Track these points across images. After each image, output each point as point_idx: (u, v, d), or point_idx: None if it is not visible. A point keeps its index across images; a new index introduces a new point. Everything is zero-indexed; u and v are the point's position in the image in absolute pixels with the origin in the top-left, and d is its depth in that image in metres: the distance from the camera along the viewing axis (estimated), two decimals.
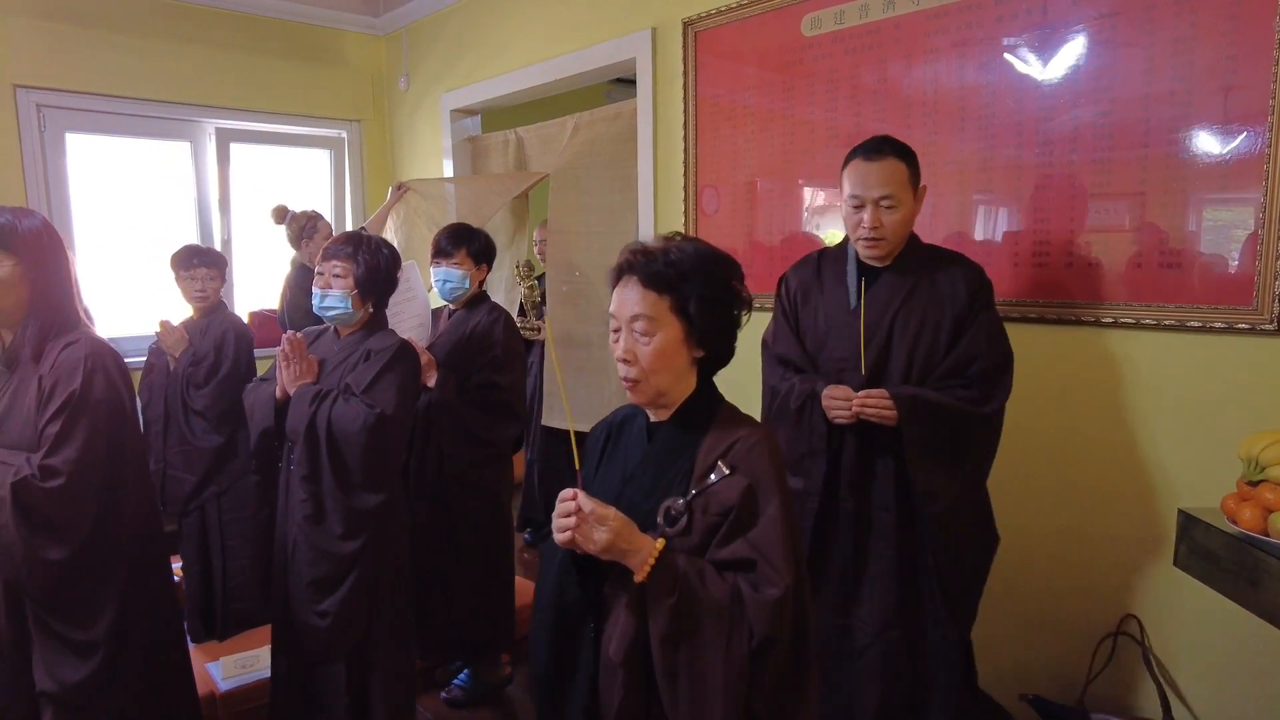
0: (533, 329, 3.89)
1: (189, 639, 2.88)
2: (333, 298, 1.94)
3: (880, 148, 1.88)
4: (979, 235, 2.36)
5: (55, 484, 1.53)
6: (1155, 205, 2.02)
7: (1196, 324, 1.96)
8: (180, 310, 2.96)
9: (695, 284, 1.22)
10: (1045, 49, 2.17)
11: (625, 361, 1.24)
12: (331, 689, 1.88)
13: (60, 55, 3.77)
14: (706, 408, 1.29)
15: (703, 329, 1.24)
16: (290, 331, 1.95)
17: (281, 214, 3.49)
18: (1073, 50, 2.12)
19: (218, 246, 4.34)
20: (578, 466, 1.27)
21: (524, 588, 3.14)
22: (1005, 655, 2.38)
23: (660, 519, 1.21)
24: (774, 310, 2.12)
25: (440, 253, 2.52)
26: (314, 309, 2.00)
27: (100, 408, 1.61)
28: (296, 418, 1.85)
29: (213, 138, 4.30)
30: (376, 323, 2.03)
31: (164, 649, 1.79)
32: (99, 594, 1.61)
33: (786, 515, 1.20)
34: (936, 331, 1.86)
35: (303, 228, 3.48)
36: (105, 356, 1.64)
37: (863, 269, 1.95)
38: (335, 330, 2.05)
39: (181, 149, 4.25)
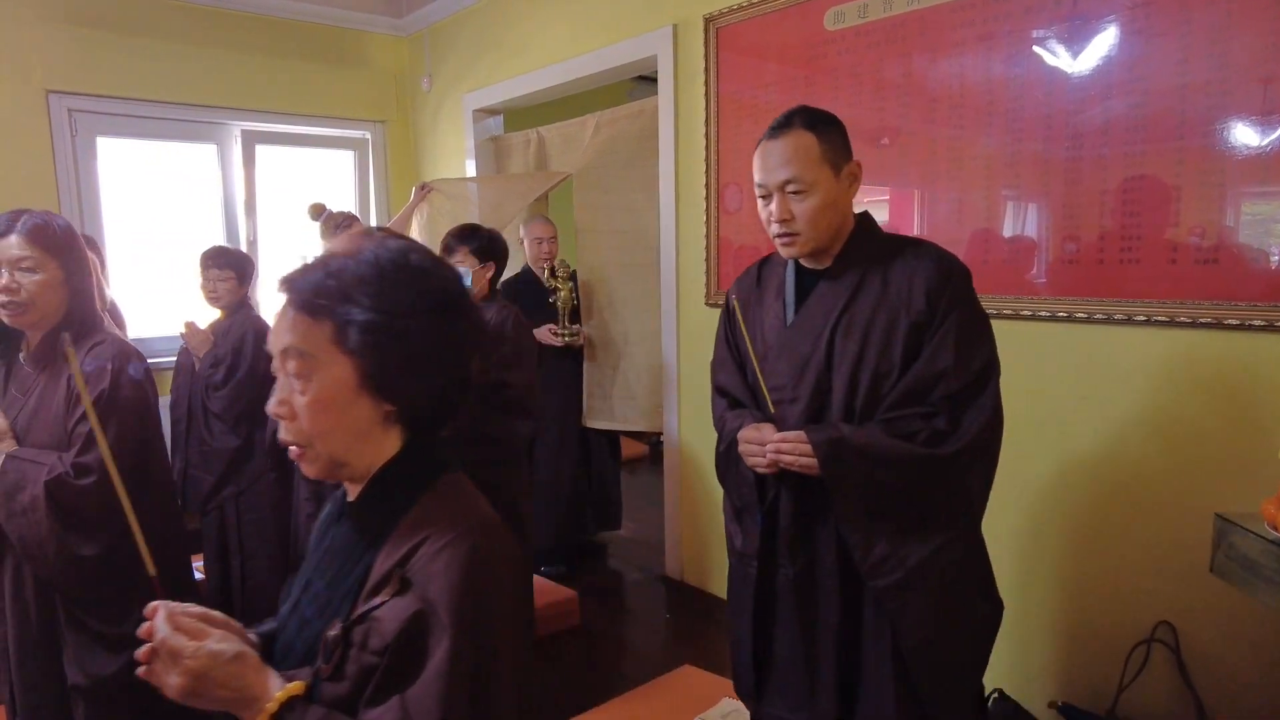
0: (572, 334, 3.60)
1: None
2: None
3: (787, 121, 1.50)
4: (1007, 232, 2.30)
5: (89, 481, 1.56)
6: (1191, 199, 1.95)
7: (1234, 321, 1.89)
8: (210, 311, 2.99)
9: (359, 304, 0.84)
10: (1075, 40, 2.11)
11: (279, 416, 0.88)
12: None
13: (91, 61, 3.84)
14: (408, 485, 0.90)
15: (378, 371, 0.85)
16: None
17: (319, 211, 3.52)
18: (1104, 41, 2.06)
19: (244, 247, 4.39)
20: (152, 571, 0.93)
21: (542, 588, 3.15)
22: (1033, 660, 2.33)
23: (321, 650, 0.86)
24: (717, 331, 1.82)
25: (446, 250, 2.53)
26: None
27: (128, 407, 1.64)
28: None
29: (239, 140, 4.35)
30: None
31: None
32: (130, 589, 1.63)
33: (457, 669, 0.79)
34: (886, 346, 1.47)
35: (337, 226, 3.51)
36: (130, 358, 1.67)
37: (805, 275, 1.59)
38: None
39: (208, 151, 4.31)
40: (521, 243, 3.72)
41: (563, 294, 3.59)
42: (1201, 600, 1.98)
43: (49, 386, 1.64)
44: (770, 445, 1.48)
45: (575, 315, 3.65)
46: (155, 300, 4.06)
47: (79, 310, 1.67)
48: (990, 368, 1.49)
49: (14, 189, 3.64)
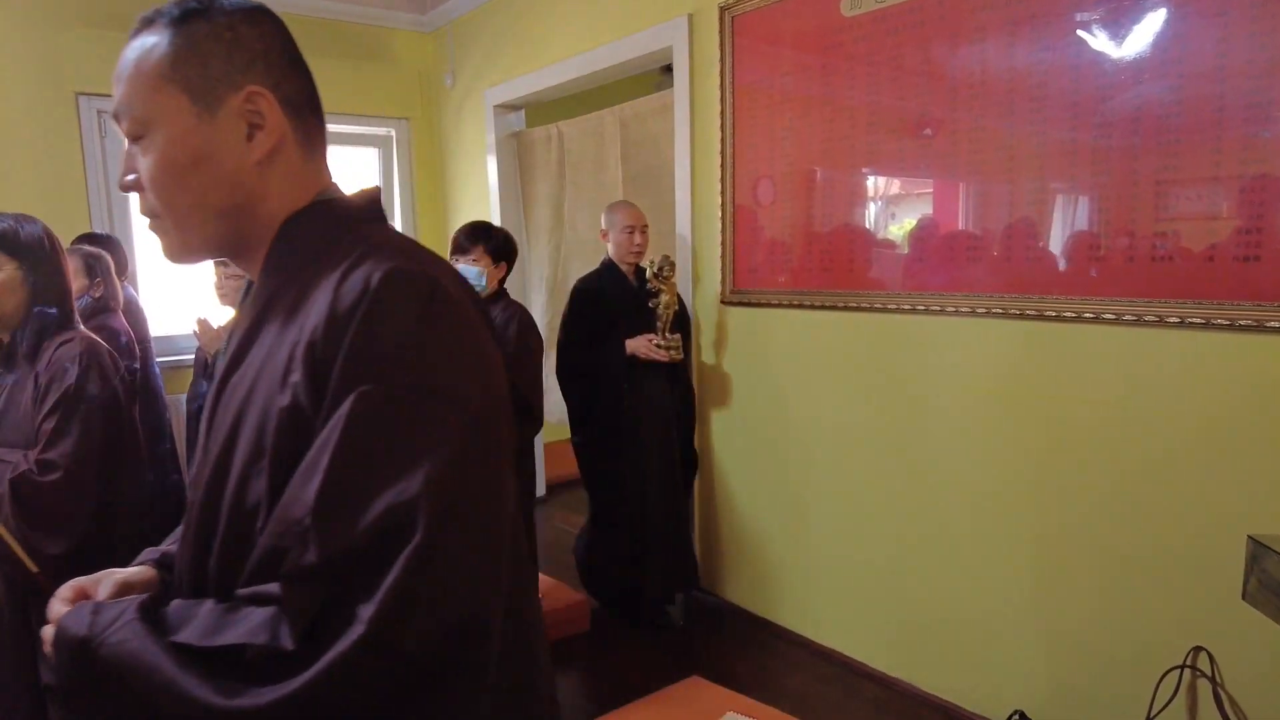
0: (673, 347, 2.94)
1: None
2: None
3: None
4: (1030, 226, 2.17)
5: (53, 478, 1.56)
6: (1230, 191, 1.80)
7: (1277, 325, 1.74)
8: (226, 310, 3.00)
9: None
10: (1104, 22, 1.96)
11: None
12: None
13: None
14: None
15: None
16: None
17: None
18: (1135, 21, 1.91)
19: None
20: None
21: (551, 592, 3.10)
22: (1056, 681, 2.20)
23: None
24: None
25: (458, 249, 2.48)
26: None
27: (95, 403, 1.64)
28: None
29: None
30: None
31: None
32: None
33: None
34: (258, 444, 0.76)
35: None
36: (99, 355, 1.66)
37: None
38: None
39: None
40: (603, 234, 3.11)
41: (665, 297, 2.92)
42: (1242, 625, 1.83)
43: (18, 385, 1.65)
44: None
45: (677, 322, 3.01)
46: (183, 299, 4.11)
47: (44, 310, 1.67)
48: (408, 523, 0.67)
49: (44, 189, 3.72)
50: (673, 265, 2.94)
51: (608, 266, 3.11)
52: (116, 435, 1.69)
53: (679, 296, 3.02)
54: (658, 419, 2.99)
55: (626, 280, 3.08)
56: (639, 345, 2.92)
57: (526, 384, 2.44)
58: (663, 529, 3.00)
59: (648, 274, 2.93)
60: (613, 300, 3.02)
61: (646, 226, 3.09)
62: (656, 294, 2.92)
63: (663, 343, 2.92)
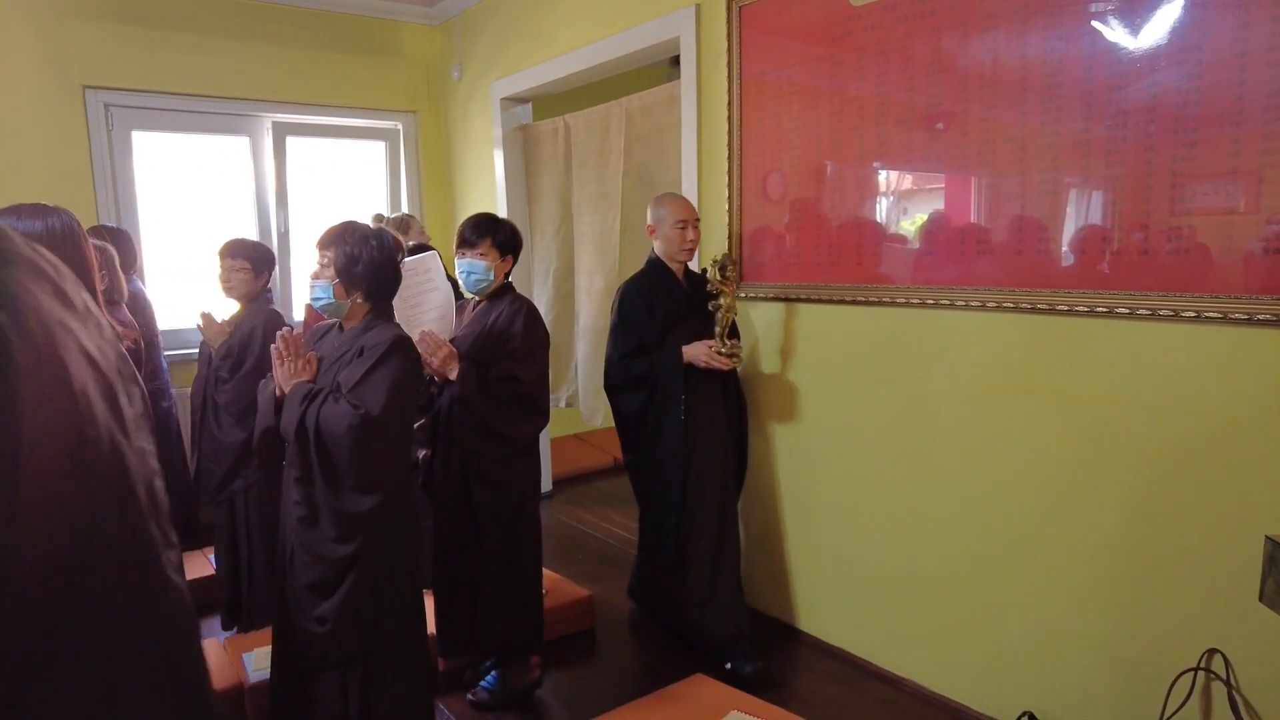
0: (734, 353, 2.68)
1: (221, 627, 2.93)
2: (319, 288, 1.91)
3: None
4: (1041, 219, 2.12)
5: None
6: (1250, 182, 1.75)
7: None
8: (230, 303, 2.98)
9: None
10: (1118, 9, 1.91)
11: None
12: (332, 696, 1.83)
13: (126, 56, 3.89)
14: None
15: None
16: (286, 328, 1.91)
17: (379, 220, 3.68)
18: (1151, 7, 1.86)
19: (274, 239, 4.42)
20: None
21: (556, 588, 3.07)
22: (1066, 682, 2.16)
23: None
24: None
25: (464, 243, 2.44)
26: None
27: None
28: (288, 418, 1.81)
29: (269, 132, 4.37)
30: (378, 316, 1.97)
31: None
32: None
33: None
34: None
35: (398, 226, 3.66)
36: None
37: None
38: (340, 325, 2.00)
39: (240, 144, 4.34)
40: (650, 230, 2.80)
41: (725, 300, 2.63)
42: (1259, 627, 1.79)
43: None
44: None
45: (735, 327, 2.78)
46: (190, 292, 4.11)
47: None
48: None
49: (50, 182, 3.72)
50: (735, 264, 2.66)
51: (655, 265, 2.78)
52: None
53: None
54: (715, 432, 2.75)
55: (676, 280, 2.78)
56: (698, 352, 2.64)
57: (532, 379, 2.42)
58: (720, 559, 2.74)
59: (709, 274, 2.64)
60: (663, 303, 2.73)
61: (699, 220, 2.79)
62: (716, 295, 2.63)
63: (723, 349, 2.64)
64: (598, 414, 4.02)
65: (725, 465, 2.80)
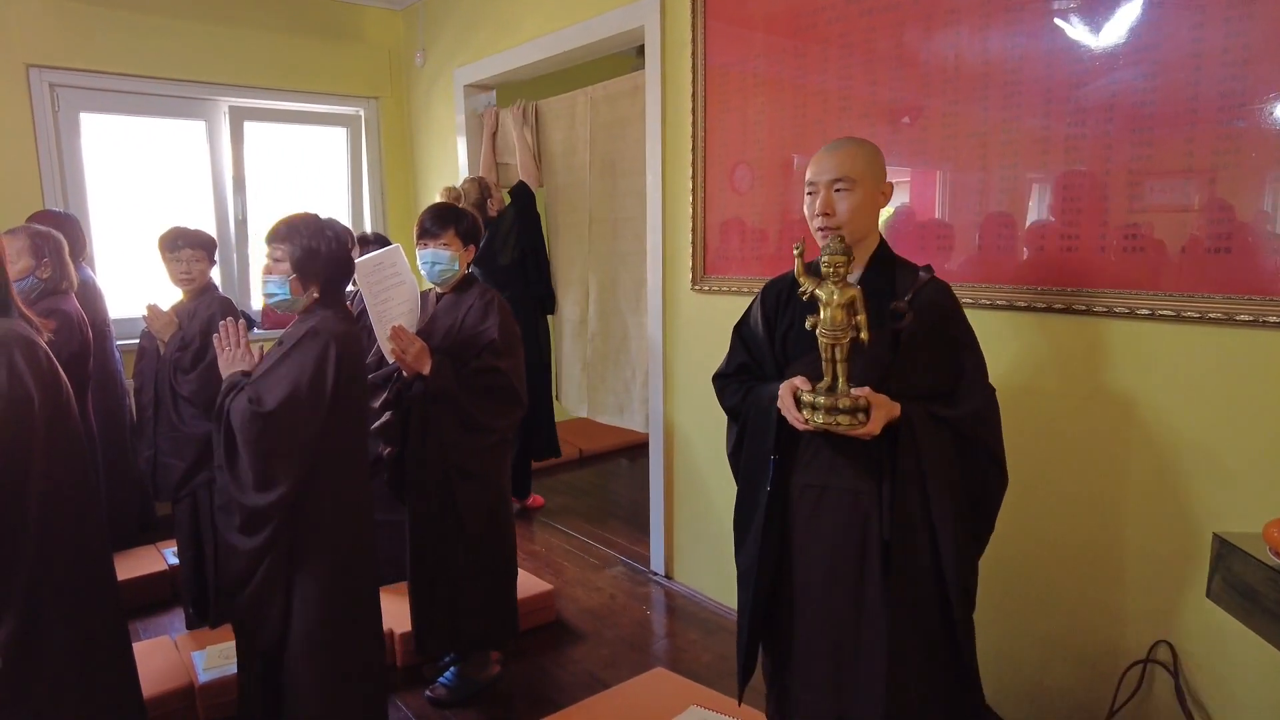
0: (851, 410, 1.53)
1: (185, 624, 2.87)
2: (272, 284, 1.86)
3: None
4: (1002, 214, 2.13)
5: None
6: (1204, 182, 1.77)
7: (1247, 318, 1.71)
8: (173, 293, 2.90)
9: None
10: (1078, 7, 1.92)
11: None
12: (267, 688, 1.83)
13: (73, 34, 3.75)
14: None
15: None
16: (230, 318, 1.87)
17: (451, 194, 3.71)
18: (1110, 6, 1.86)
19: (231, 226, 4.31)
20: None
21: (521, 582, 3.04)
22: (1022, 676, 2.18)
23: None
24: None
25: (426, 234, 2.39)
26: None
27: (4, 399, 1.54)
28: (218, 407, 1.80)
29: (226, 116, 4.26)
30: (324, 306, 1.91)
31: (94, 646, 1.73)
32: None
33: None
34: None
35: (481, 190, 3.73)
36: (16, 347, 1.56)
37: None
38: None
39: (196, 128, 4.22)
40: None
41: (829, 311, 1.54)
42: (1205, 620, 1.82)
43: None
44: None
45: (862, 354, 1.67)
46: (142, 281, 4.00)
47: None
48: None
49: None
50: (846, 247, 1.54)
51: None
52: (23, 435, 1.57)
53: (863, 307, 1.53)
54: (838, 519, 1.68)
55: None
56: (783, 398, 1.64)
57: (512, 370, 2.38)
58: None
59: (822, 258, 1.56)
60: (787, 308, 1.77)
61: (842, 181, 1.65)
62: (813, 299, 1.58)
63: (817, 397, 1.57)
64: (581, 405, 3.98)
65: (856, 576, 1.64)
